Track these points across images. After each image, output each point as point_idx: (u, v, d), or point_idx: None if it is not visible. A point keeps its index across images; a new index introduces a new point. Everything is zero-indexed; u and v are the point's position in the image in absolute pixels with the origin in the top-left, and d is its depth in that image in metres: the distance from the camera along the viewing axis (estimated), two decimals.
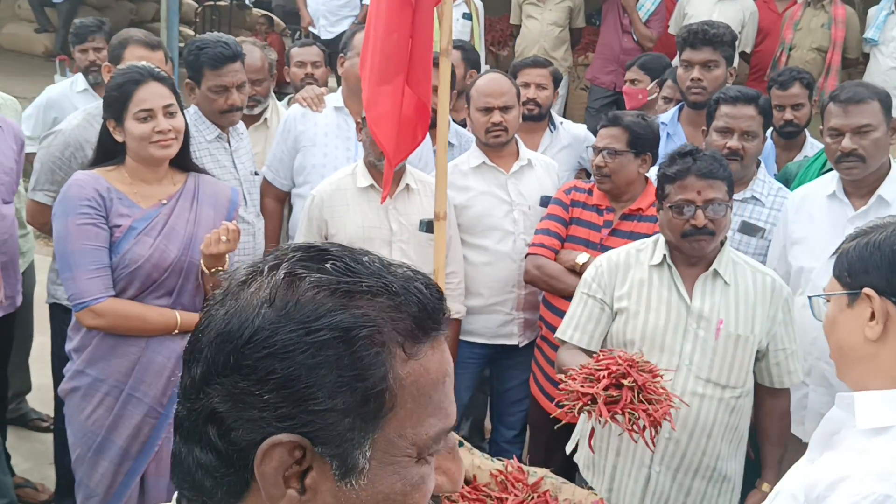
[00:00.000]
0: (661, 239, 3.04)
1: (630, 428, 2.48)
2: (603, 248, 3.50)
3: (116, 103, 2.91)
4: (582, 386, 2.52)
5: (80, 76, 5.13)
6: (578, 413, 2.54)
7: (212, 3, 14.17)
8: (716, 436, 2.93)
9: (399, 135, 2.83)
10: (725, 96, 3.63)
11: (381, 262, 0.99)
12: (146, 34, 3.99)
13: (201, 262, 2.97)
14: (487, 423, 4.63)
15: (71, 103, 5.06)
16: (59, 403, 3.85)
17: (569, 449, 3.29)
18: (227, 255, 2.98)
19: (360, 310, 0.92)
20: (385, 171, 3.05)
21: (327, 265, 0.95)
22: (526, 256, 3.71)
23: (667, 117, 4.37)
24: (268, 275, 0.95)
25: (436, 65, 2.91)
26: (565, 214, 3.67)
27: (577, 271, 3.49)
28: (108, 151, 3.02)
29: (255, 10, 14.21)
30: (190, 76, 3.74)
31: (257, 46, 4.60)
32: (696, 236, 2.88)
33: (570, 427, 3.52)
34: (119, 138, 2.96)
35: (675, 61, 4.65)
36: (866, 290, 1.76)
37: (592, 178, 3.78)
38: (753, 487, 3.09)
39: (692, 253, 2.94)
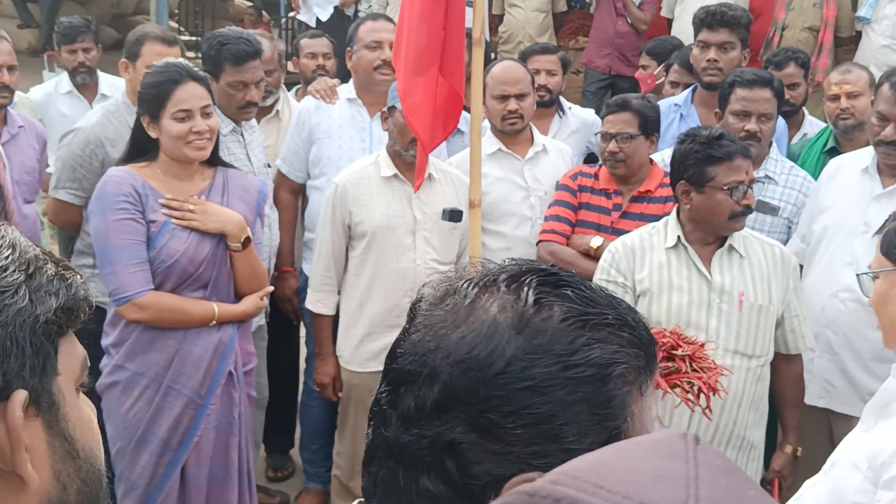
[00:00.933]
0: (671, 221, 3.09)
1: (687, 398, 2.55)
2: (614, 232, 3.56)
3: (154, 101, 2.94)
4: None
5: (64, 77, 5.12)
6: None
7: None
8: (745, 405, 3.02)
9: (433, 123, 2.87)
10: (741, 79, 3.68)
11: (601, 288, 0.96)
12: (162, 30, 4.02)
13: (228, 242, 3.03)
14: None
15: (55, 106, 5.06)
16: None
17: None
18: (248, 227, 3.05)
19: (613, 345, 0.89)
20: (419, 159, 3.09)
21: (568, 292, 0.91)
22: (537, 244, 3.74)
23: (680, 99, 4.43)
24: (506, 294, 0.91)
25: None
26: (574, 200, 3.71)
27: (592, 255, 3.55)
28: (141, 147, 3.05)
29: (238, 1, 14.15)
30: (209, 70, 3.75)
31: (266, 37, 4.61)
32: (743, 216, 2.98)
33: None
34: (153, 135, 2.99)
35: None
36: None
37: (599, 162, 3.83)
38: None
39: (731, 232, 3.02)
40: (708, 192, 2.97)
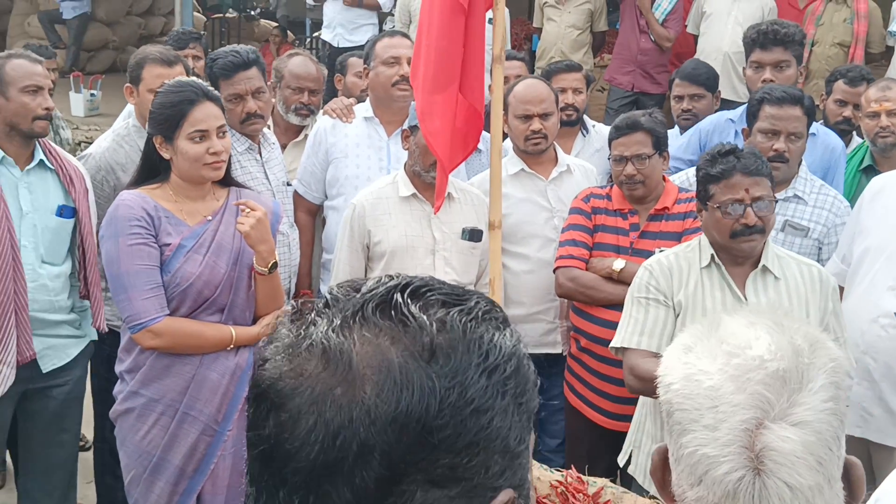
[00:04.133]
0: (704, 240, 3.01)
1: None
2: (634, 253, 3.47)
3: (169, 121, 2.89)
4: None
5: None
6: None
7: (220, 15, 14.22)
8: None
9: (452, 143, 2.80)
10: (770, 97, 3.56)
11: (438, 280, 0.88)
12: (161, 51, 3.96)
13: (255, 262, 2.95)
14: None
15: None
16: (99, 423, 3.84)
17: (622, 461, 3.25)
18: (276, 252, 2.99)
19: (503, 329, 0.84)
20: (438, 179, 3.03)
21: (436, 295, 0.83)
22: (555, 270, 3.63)
23: (736, 115, 4.31)
24: (388, 325, 0.80)
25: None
26: (588, 223, 3.60)
27: (615, 279, 3.46)
28: (153, 168, 3.00)
29: (264, 22, 14.25)
30: None
31: (311, 60, 4.58)
32: (747, 235, 2.86)
33: (610, 436, 3.49)
34: (166, 155, 2.94)
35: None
36: None
37: (611, 183, 3.73)
38: None
39: (742, 253, 2.92)
40: (710, 211, 2.91)
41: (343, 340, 0.79)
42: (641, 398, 3.16)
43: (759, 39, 4.22)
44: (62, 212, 3.33)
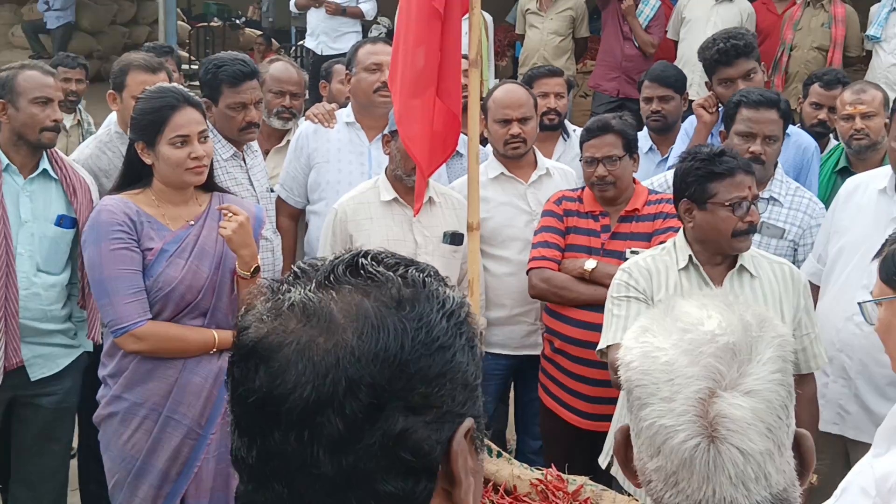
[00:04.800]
0: (679, 241, 3.04)
1: None
2: (605, 254, 3.52)
3: (151, 127, 2.91)
4: None
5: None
6: None
7: (205, 24, 14.23)
8: None
9: (431, 147, 2.84)
10: (747, 100, 3.61)
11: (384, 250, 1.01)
12: (146, 58, 4.00)
13: (237, 266, 2.98)
14: (508, 434, 4.63)
15: None
16: (83, 431, 3.85)
17: (603, 462, 3.28)
18: (259, 257, 3.02)
19: (448, 286, 0.97)
20: (417, 183, 3.06)
21: (391, 259, 0.96)
22: (528, 271, 3.65)
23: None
24: (360, 283, 0.92)
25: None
26: (561, 225, 3.64)
27: (587, 278, 3.50)
28: (135, 174, 3.02)
29: (249, 30, 14.27)
30: (206, 94, 3.74)
31: (292, 65, 4.63)
32: (747, 234, 2.91)
33: (586, 436, 3.51)
34: (148, 161, 2.96)
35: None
36: None
37: (583, 186, 3.76)
38: None
39: (739, 252, 2.96)
40: (710, 209, 2.92)
41: (322, 297, 0.91)
42: (621, 399, 3.19)
43: (721, 59, 4.18)
44: (61, 221, 3.34)
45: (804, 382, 3.08)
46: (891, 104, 3.51)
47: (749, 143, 3.57)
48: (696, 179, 2.94)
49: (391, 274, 0.92)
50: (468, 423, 0.92)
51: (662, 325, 1.17)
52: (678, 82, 4.88)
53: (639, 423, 1.16)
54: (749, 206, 2.88)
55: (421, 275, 0.94)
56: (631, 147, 3.58)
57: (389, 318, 0.89)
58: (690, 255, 2.99)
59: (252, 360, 0.90)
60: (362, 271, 0.93)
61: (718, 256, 2.98)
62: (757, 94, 3.67)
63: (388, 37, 5.43)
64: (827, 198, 3.91)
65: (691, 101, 4.93)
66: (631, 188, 3.62)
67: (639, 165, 3.70)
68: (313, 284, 0.92)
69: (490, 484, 2.92)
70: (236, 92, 3.69)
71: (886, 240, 1.92)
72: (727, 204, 2.88)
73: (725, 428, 1.09)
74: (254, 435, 0.90)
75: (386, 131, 3.62)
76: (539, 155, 4.02)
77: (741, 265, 2.98)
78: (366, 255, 0.95)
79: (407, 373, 0.88)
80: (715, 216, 2.91)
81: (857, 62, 6.75)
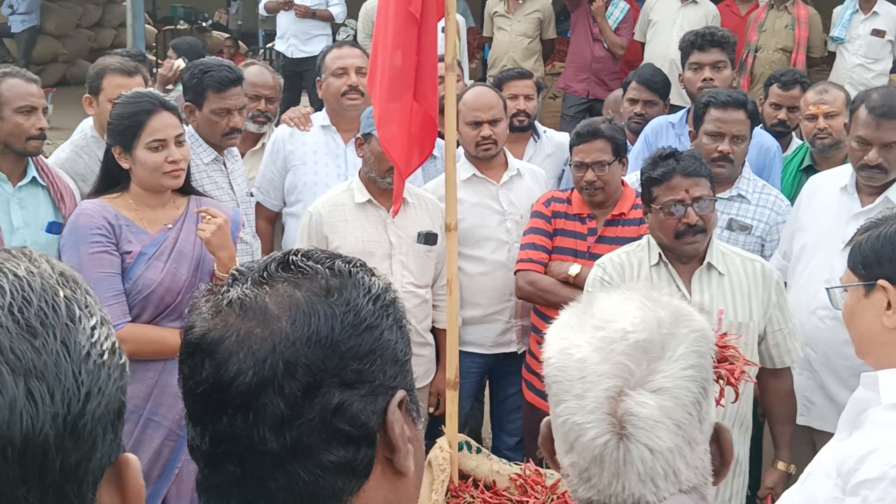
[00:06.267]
0: (652, 240, 3.12)
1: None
2: (591, 257, 3.57)
3: (127, 131, 2.94)
4: None
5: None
6: None
7: (171, 27, 14.16)
8: (727, 422, 3.02)
9: (409, 149, 2.89)
10: (716, 100, 3.70)
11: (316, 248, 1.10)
12: (122, 61, 4.00)
13: (216, 268, 3.01)
14: (484, 432, 4.68)
15: None
16: None
17: None
18: (238, 260, 3.04)
19: (377, 275, 1.06)
20: (395, 184, 3.11)
21: (322, 254, 1.04)
22: (515, 273, 3.72)
23: (675, 118, 4.48)
24: (291, 277, 1.00)
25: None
26: (548, 227, 3.70)
27: (572, 283, 3.56)
28: (112, 178, 3.04)
29: (216, 33, 14.22)
30: (190, 99, 3.77)
31: (267, 69, 4.66)
32: (691, 236, 2.97)
33: None
34: (125, 165, 2.98)
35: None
36: (881, 281, 1.85)
37: (570, 188, 3.83)
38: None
39: (687, 253, 3.03)
40: (654, 212, 3.03)
41: (257, 292, 0.99)
42: None
43: (696, 42, 4.42)
44: (52, 228, 3.34)
45: (780, 376, 3.17)
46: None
47: (717, 142, 3.66)
48: (643, 184, 3.08)
49: (319, 266, 1.01)
50: (400, 394, 1.01)
51: (580, 321, 1.19)
52: (664, 88, 4.99)
53: (556, 419, 1.18)
54: (685, 209, 2.94)
55: (347, 266, 1.03)
56: (620, 152, 3.65)
57: (319, 305, 0.97)
58: (660, 253, 3.06)
59: (198, 356, 0.98)
60: (293, 266, 1.01)
61: (684, 256, 3.05)
62: (725, 94, 3.77)
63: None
64: (792, 195, 4.00)
65: (672, 105, 5.04)
66: (619, 191, 3.69)
67: (627, 169, 3.76)
68: (249, 282, 1.00)
69: (470, 479, 2.97)
70: (222, 97, 3.71)
71: (858, 229, 2.00)
72: (661, 207, 2.98)
73: (633, 426, 1.11)
74: (205, 422, 0.98)
75: (359, 134, 3.66)
76: (510, 156, 4.08)
77: (709, 262, 3.05)
78: (297, 252, 1.04)
79: (339, 352, 0.97)
80: (657, 218, 3.02)
81: (821, 63, 6.87)
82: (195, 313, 1.01)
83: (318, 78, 4.32)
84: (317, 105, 4.68)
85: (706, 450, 1.16)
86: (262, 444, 0.95)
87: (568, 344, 1.18)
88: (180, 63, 5.20)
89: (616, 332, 1.15)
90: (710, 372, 1.17)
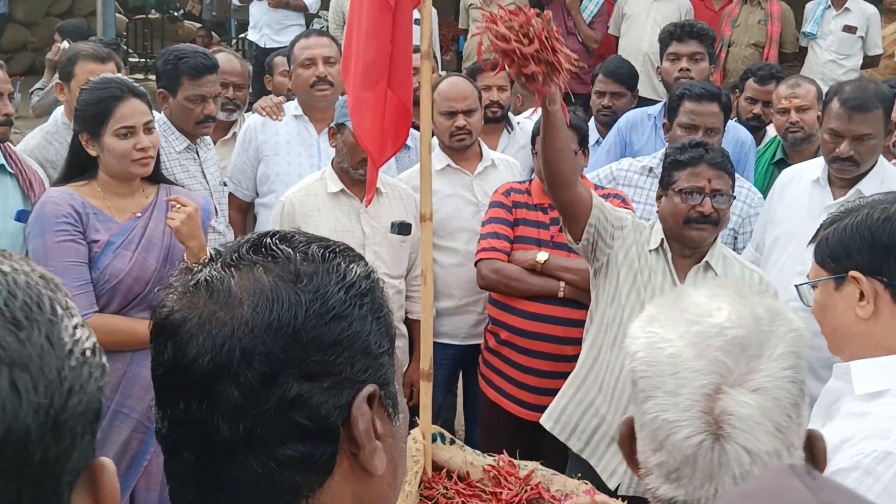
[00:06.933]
0: (658, 225, 3.11)
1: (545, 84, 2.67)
2: (555, 246, 3.55)
3: (95, 118, 2.88)
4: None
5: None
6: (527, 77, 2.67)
7: (142, 17, 14.00)
8: None
9: (382, 138, 2.86)
10: (690, 93, 3.73)
11: (300, 231, 1.05)
12: (94, 47, 3.95)
13: (186, 258, 2.97)
14: (457, 424, 4.67)
15: None
16: None
17: (546, 423, 3.27)
18: (209, 249, 2.99)
19: (359, 260, 1.01)
20: (369, 174, 3.08)
21: (298, 236, 1.00)
22: (476, 262, 3.66)
23: (655, 110, 4.49)
24: (262, 260, 0.96)
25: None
26: (509, 216, 3.66)
27: (538, 270, 3.54)
28: (80, 165, 2.98)
29: (188, 23, 14.08)
30: (164, 85, 3.72)
31: (235, 56, 4.62)
32: (699, 224, 2.96)
33: (528, 427, 3.56)
34: (93, 153, 2.93)
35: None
36: (853, 272, 1.85)
37: (531, 178, 3.81)
38: None
39: (691, 242, 3.00)
40: (670, 196, 3.01)
41: (224, 275, 0.95)
42: (573, 374, 3.22)
43: (675, 32, 4.49)
44: (21, 216, 3.27)
45: None
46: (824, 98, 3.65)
47: (692, 134, 3.67)
48: (666, 167, 3.06)
49: (291, 251, 0.96)
50: (369, 388, 0.95)
51: (669, 316, 1.14)
52: (631, 79, 5.00)
53: (642, 416, 1.13)
54: (703, 197, 2.94)
55: (324, 251, 0.98)
56: (584, 142, 3.64)
57: (284, 291, 0.93)
58: (663, 240, 3.04)
59: (162, 336, 0.96)
60: (264, 249, 0.97)
61: (687, 249, 3.03)
62: (699, 87, 3.79)
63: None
64: (765, 188, 4.03)
65: (641, 97, 5.05)
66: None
67: (588, 160, 3.76)
68: (219, 264, 0.97)
69: (443, 471, 2.95)
70: (197, 84, 3.67)
71: (821, 224, 2.00)
72: (680, 191, 2.96)
73: (731, 426, 1.06)
74: (165, 406, 0.96)
75: (333, 124, 3.63)
76: (484, 147, 4.06)
77: (707, 262, 3.02)
78: (274, 234, 1.00)
79: (301, 341, 0.92)
80: (671, 202, 3.00)
81: (793, 58, 6.92)
82: (166, 291, 0.99)
83: (286, 69, 4.29)
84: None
85: (801, 457, 1.11)
86: (215, 433, 0.92)
87: (657, 338, 1.12)
88: (65, 45, 5.16)
89: (712, 327, 1.09)
90: (806, 375, 1.12)
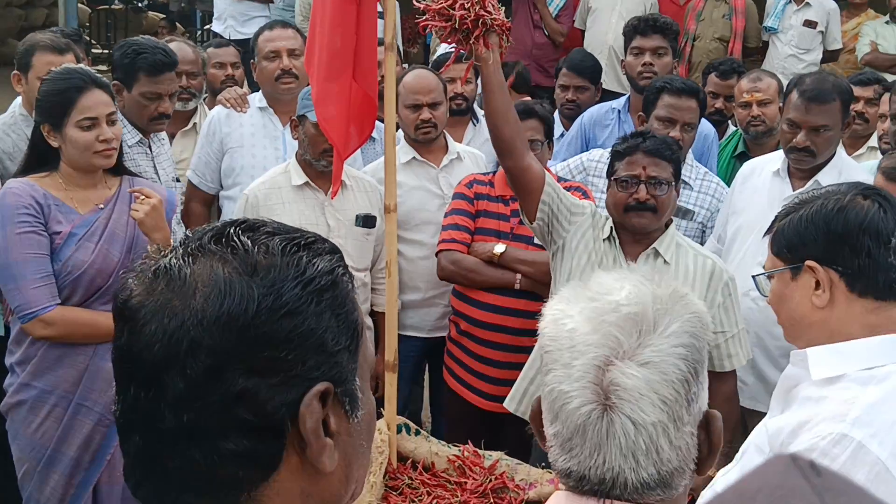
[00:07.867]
0: (608, 215, 3.13)
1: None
2: (514, 238, 3.58)
3: (57, 109, 2.85)
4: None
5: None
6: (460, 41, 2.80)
7: (106, 7, 13.85)
8: None
9: (347, 130, 2.86)
10: (671, 87, 3.75)
11: (279, 223, 1.05)
12: (52, 38, 3.88)
13: (149, 250, 2.94)
14: (423, 416, 4.68)
15: None
16: None
17: (510, 405, 3.29)
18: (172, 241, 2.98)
19: (325, 254, 0.99)
20: (334, 166, 3.08)
21: (266, 228, 1.00)
22: (437, 253, 3.68)
23: (619, 104, 4.52)
24: (220, 250, 0.96)
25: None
26: (471, 208, 3.68)
27: (496, 262, 3.55)
28: (40, 157, 2.95)
29: (152, 14, 13.95)
30: (119, 78, 3.67)
31: (187, 44, 4.57)
32: (638, 211, 2.98)
33: (489, 418, 3.59)
34: (55, 144, 2.90)
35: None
36: (809, 262, 1.88)
37: (495, 170, 3.83)
38: None
39: (634, 229, 3.02)
40: (611, 185, 3.06)
41: (183, 264, 0.95)
42: (533, 355, 3.24)
43: (639, 27, 4.50)
44: None
45: (721, 380, 3.02)
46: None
47: (669, 128, 3.69)
48: (609, 159, 3.11)
49: (251, 244, 0.96)
50: (320, 386, 0.94)
51: (575, 294, 1.19)
52: (595, 73, 5.03)
53: (544, 388, 1.18)
54: (639, 185, 2.97)
55: (286, 244, 0.97)
56: (550, 134, 3.67)
57: (238, 284, 0.93)
58: (612, 228, 3.07)
59: (120, 321, 0.97)
60: (224, 239, 0.97)
61: (635, 237, 3.04)
62: (679, 82, 3.82)
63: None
64: (726, 181, 4.07)
65: (607, 91, 5.08)
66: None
67: (552, 153, 3.79)
68: (181, 251, 0.97)
69: (409, 461, 2.97)
70: (154, 81, 3.63)
71: (777, 215, 2.03)
72: (617, 180, 3.01)
73: (618, 397, 1.10)
74: (119, 390, 0.97)
75: (294, 116, 3.62)
76: (450, 139, 4.07)
77: (655, 248, 3.04)
78: (240, 224, 1.00)
79: (249, 336, 0.91)
80: (611, 191, 3.05)
81: (756, 52, 6.99)
82: (129, 274, 0.99)
83: (252, 61, 4.26)
84: (255, 87, 4.60)
85: (693, 433, 1.15)
86: (160, 421, 0.92)
87: (561, 315, 1.17)
88: None
89: (609, 303, 1.14)
90: (703, 356, 1.16)
